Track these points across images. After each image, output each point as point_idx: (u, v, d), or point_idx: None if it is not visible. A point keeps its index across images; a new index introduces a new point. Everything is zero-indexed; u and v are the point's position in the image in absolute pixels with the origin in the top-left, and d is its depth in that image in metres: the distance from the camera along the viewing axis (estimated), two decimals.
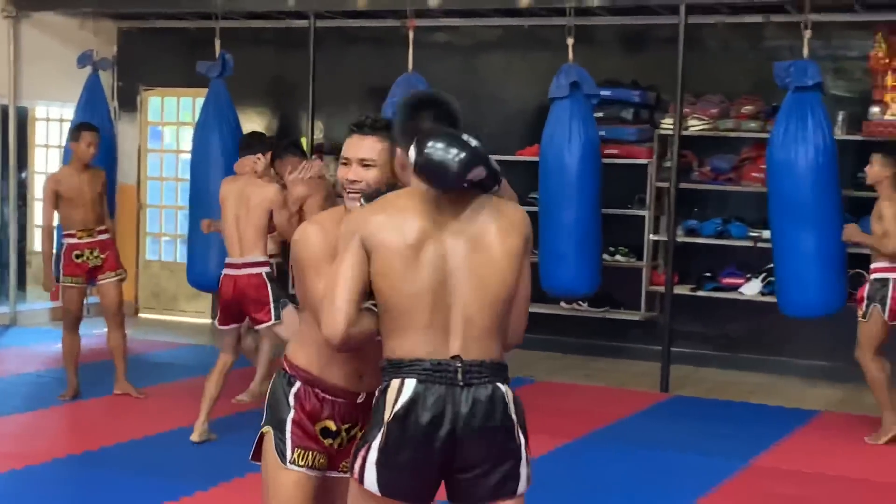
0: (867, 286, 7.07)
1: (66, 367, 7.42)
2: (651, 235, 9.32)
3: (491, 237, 2.92)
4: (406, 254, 2.84)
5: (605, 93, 9.13)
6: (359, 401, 3.18)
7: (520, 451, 2.91)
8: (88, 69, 9.98)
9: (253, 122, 10.34)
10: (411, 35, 8.94)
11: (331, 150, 10.31)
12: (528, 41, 9.88)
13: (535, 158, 8.81)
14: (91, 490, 5.72)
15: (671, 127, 8.77)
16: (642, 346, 9.38)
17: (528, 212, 8.41)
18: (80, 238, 7.35)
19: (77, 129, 7.60)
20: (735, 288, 9.05)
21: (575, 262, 8.39)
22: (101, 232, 7.49)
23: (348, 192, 3.13)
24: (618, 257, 9.45)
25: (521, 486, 2.93)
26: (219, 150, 8.89)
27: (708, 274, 9.25)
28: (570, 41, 8.52)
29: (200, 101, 9.70)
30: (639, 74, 9.48)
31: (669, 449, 6.80)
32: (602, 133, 9.05)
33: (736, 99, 9.19)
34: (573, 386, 8.59)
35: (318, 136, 10.18)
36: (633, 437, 7.15)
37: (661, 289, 8.91)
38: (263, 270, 6.43)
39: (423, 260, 2.86)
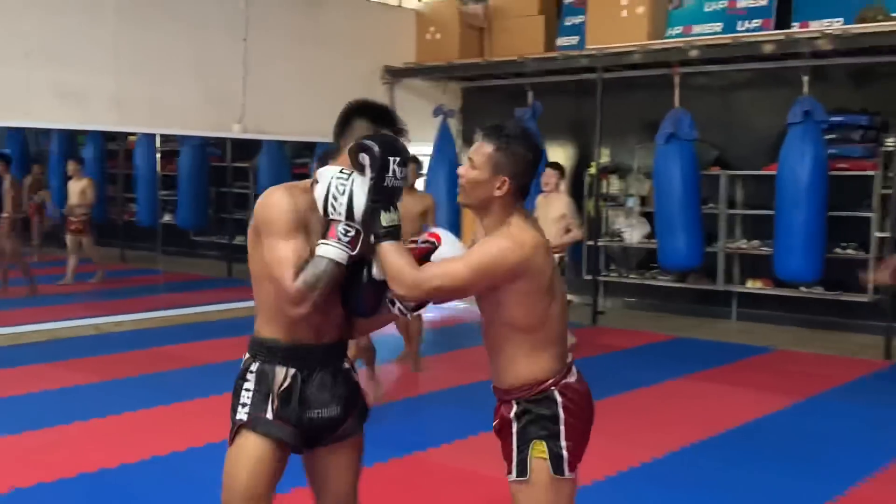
0: None
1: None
2: (876, 233, 8.55)
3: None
4: None
5: (836, 119, 8.56)
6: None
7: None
8: (440, 118, 10.37)
9: (556, 151, 10.33)
10: (677, 80, 8.75)
11: (613, 169, 10.22)
12: (770, 80, 9.27)
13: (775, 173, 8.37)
14: None
15: (893, 144, 8.20)
16: (870, 322, 8.60)
17: (763, 216, 7.67)
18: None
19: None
20: None
21: (803, 255, 8.02)
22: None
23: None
24: (848, 251, 8.77)
25: None
26: None
27: None
28: (805, 79, 8.11)
29: None
30: (866, 103, 8.73)
31: (890, 407, 6.19)
32: (834, 151, 8.53)
33: None
34: (808, 354, 7.99)
35: (605, 160, 10.02)
36: (859, 397, 6.54)
37: None
38: None
39: None
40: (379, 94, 10.48)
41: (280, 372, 2.49)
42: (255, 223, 2.47)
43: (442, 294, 2.43)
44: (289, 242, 2.37)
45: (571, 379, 2.54)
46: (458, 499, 4.33)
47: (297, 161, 11.09)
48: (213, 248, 11.70)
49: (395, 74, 10.64)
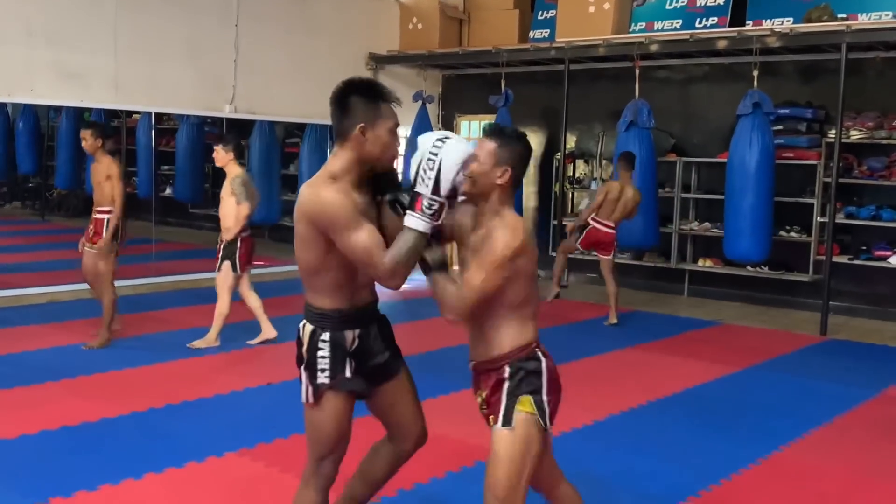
0: None
1: None
2: (818, 218, 8.57)
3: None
4: None
5: (784, 111, 8.56)
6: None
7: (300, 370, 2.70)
8: (419, 103, 10.32)
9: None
10: (637, 72, 8.71)
11: (580, 155, 10.21)
12: (726, 74, 9.26)
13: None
14: None
15: (834, 136, 8.01)
16: (809, 300, 8.71)
17: (714, 200, 7.81)
18: None
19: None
20: (885, 258, 8.21)
21: (750, 237, 7.97)
22: None
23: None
24: (792, 234, 8.83)
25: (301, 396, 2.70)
26: None
27: (864, 247, 8.42)
28: (755, 73, 8.05)
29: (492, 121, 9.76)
30: (812, 97, 8.71)
31: (820, 378, 6.24)
32: (781, 141, 8.52)
33: (889, 114, 8.26)
34: (752, 328, 8.03)
35: (571, 146, 9.99)
36: (793, 368, 6.56)
37: (824, 257, 8.23)
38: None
39: None
40: None
41: (349, 335, 2.65)
42: (313, 221, 2.52)
43: (482, 302, 2.52)
44: (363, 231, 2.46)
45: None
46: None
47: (288, 141, 11.01)
48: (209, 220, 11.63)
49: (378, 61, 10.60)
